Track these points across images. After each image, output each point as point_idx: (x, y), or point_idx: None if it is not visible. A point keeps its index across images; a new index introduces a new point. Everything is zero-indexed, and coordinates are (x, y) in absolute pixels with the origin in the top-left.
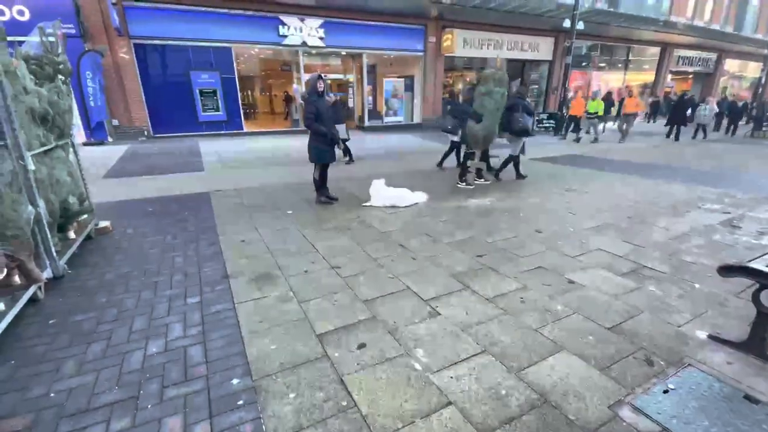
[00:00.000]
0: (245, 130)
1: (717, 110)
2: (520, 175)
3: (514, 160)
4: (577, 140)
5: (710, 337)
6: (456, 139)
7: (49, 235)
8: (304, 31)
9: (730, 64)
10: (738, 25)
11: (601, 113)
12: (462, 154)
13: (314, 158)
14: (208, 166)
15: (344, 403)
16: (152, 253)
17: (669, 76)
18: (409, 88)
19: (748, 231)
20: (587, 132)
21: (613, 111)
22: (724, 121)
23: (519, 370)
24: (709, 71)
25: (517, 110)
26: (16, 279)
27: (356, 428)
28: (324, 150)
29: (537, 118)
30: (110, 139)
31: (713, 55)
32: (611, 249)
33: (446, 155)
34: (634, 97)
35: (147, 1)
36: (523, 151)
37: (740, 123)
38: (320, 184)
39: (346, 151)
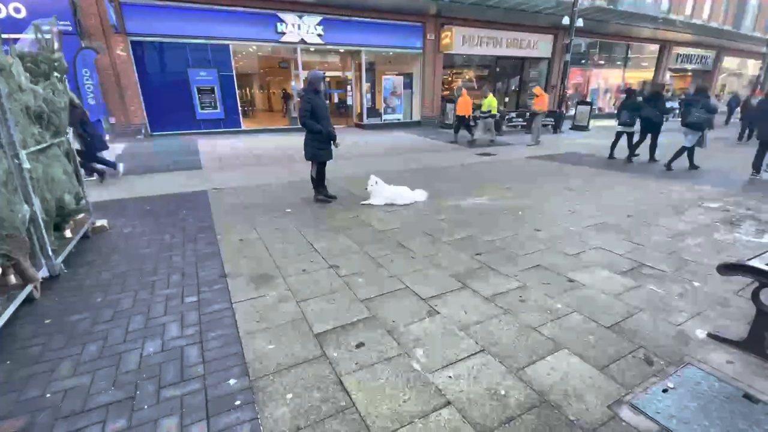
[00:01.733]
0: (243, 127)
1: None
2: (693, 166)
3: (688, 150)
4: (472, 142)
5: (710, 335)
6: (630, 130)
7: (44, 234)
8: (302, 29)
9: (729, 62)
10: (736, 22)
11: (494, 111)
12: (633, 144)
13: (309, 156)
14: (206, 164)
15: (342, 404)
16: (149, 252)
17: (668, 74)
18: (408, 85)
19: (747, 229)
20: (489, 132)
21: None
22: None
23: (518, 370)
24: (707, 69)
25: (696, 106)
26: (12, 278)
27: (354, 429)
28: (319, 148)
29: None
30: (107, 137)
31: (712, 53)
32: (611, 248)
33: (633, 146)
34: (541, 95)
35: None
36: (701, 143)
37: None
38: (318, 182)
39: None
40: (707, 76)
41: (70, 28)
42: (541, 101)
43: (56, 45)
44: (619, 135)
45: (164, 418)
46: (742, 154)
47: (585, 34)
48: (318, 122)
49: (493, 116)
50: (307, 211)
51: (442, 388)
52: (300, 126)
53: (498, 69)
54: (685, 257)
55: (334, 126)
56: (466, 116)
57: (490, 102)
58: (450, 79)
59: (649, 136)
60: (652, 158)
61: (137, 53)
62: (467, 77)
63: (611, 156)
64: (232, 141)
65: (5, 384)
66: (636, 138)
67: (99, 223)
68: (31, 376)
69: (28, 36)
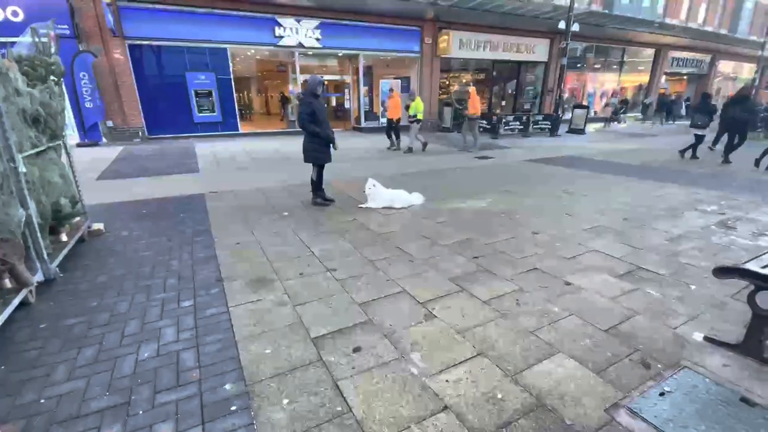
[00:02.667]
0: (241, 131)
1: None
2: None
3: None
4: (409, 150)
5: (706, 339)
6: (702, 133)
7: (40, 238)
8: (300, 32)
9: (724, 66)
10: (732, 27)
11: (420, 116)
12: (727, 146)
13: (311, 159)
14: (204, 167)
15: (339, 409)
16: (146, 255)
17: (663, 78)
18: (406, 89)
19: (743, 233)
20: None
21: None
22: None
23: (515, 374)
24: (703, 73)
25: None
26: (7, 282)
27: None
28: (320, 151)
29: (533, 119)
30: (104, 141)
31: (707, 57)
32: (608, 251)
33: (693, 146)
34: (472, 97)
35: (142, 2)
36: None
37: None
38: (316, 185)
39: None
40: (703, 80)
41: (68, 32)
42: (473, 104)
43: (53, 48)
44: (698, 138)
45: (159, 424)
46: (735, 158)
47: (581, 39)
48: (318, 125)
49: (419, 121)
50: (304, 214)
51: (439, 393)
52: (297, 129)
53: (495, 72)
54: (682, 260)
55: (333, 129)
56: (394, 120)
57: (417, 106)
58: (447, 82)
59: (721, 135)
60: (726, 159)
61: (135, 56)
62: (465, 80)
63: (694, 156)
64: (229, 144)
65: (0, 388)
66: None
67: (95, 226)
68: (26, 380)
69: (25, 39)
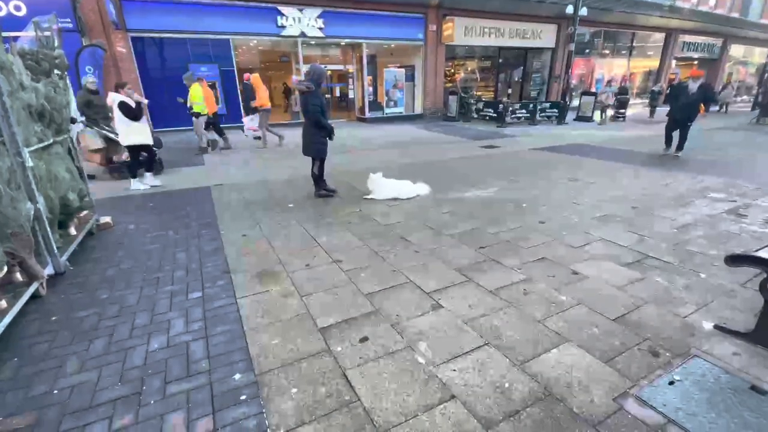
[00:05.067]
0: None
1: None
2: None
3: None
4: (226, 146)
5: (716, 327)
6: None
7: (49, 232)
8: (303, 22)
9: (736, 50)
10: (744, 10)
11: (199, 108)
12: None
13: (313, 152)
14: (209, 160)
15: (347, 398)
16: (153, 248)
17: (674, 63)
18: (410, 78)
19: (754, 220)
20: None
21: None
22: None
23: (523, 363)
24: (714, 57)
25: None
26: (18, 276)
27: (359, 423)
28: (324, 144)
29: (540, 107)
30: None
31: (719, 41)
32: (616, 239)
33: None
34: (259, 88)
35: None
36: None
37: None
38: (319, 177)
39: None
40: (714, 65)
41: (71, 25)
42: (260, 95)
43: (56, 42)
44: None
45: (171, 413)
46: (745, 146)
47: (589, 24)
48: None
49: (196, 115)
50: (309, 206)
51: (446, 382)
52: (300, 120)
53: (501, 60)
54: (691, 248)
55: (335, 120)
56: (210, 115)
57: (192, 95)
58: (452, 70)
59: None
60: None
61: (138, 49)
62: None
63: None
64: (233, 136)
65: (13, 381)
66: None
67: (103, 220)
68: (38, 372)
69: (28, 34)
